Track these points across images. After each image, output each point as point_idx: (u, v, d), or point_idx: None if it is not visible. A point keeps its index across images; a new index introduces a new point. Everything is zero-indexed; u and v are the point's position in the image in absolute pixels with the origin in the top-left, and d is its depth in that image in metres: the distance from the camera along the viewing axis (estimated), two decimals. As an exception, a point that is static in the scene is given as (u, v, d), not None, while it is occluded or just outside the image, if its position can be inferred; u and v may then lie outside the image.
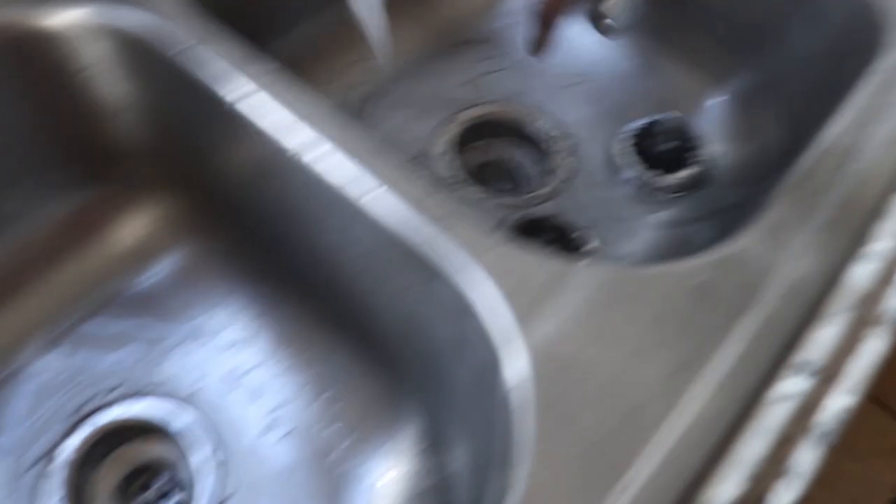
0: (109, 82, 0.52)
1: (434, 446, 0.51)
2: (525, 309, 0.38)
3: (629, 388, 0.36)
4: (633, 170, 0.63)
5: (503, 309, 0.38)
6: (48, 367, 0.57)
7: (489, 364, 0.39)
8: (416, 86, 0.69)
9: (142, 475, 0.58)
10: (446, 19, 0.72)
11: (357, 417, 0.54)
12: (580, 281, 0.39)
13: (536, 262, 0.39)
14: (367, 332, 0.53)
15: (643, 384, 0.36)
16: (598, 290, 0.39)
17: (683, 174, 0.63)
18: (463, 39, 0.72)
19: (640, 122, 0.65)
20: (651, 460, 0.34)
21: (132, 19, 0.48)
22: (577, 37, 0.71)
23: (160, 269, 0.60)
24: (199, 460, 0.54)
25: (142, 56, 0.49)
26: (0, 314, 0.57)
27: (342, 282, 0.51)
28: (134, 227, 0.60)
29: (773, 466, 0.36)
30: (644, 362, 0.37)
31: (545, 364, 0.37)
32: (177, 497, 0.57)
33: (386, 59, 0.55)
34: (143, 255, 0.60)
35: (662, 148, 0.63)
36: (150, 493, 0.57)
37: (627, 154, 0.64)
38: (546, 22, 0.57)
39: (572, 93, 0.69)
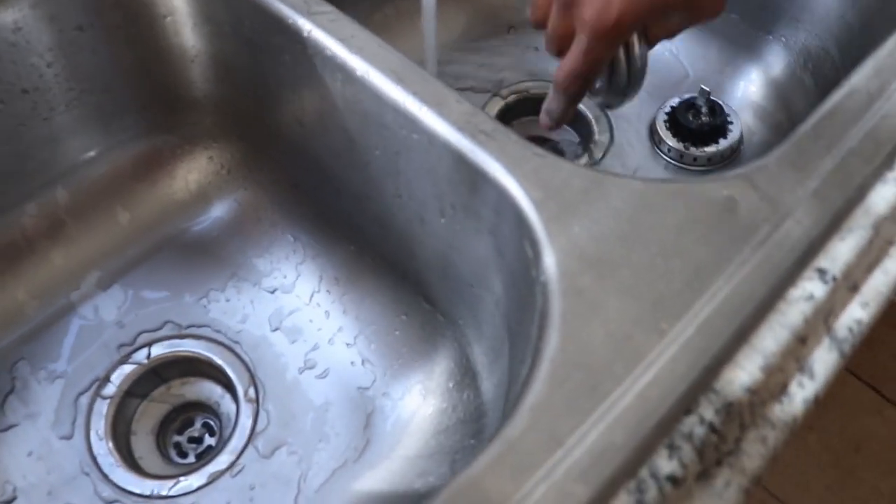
0: (187, 31, 0.56)
1: (466, 380, 0.52)
2: (557, 213, 0.40)
3: (653, 283, 0.38)
4: (670, 143, 0.65)
5: (537, 213, 0.40)
6: (104, 302, 0.60)
7: (523, 267, 0.41)
8: (462, 66, 0.72)
9: (185, 410, 0.60)
10: (492, 5, 0.76)
11: (392, 356, 0.56)
12: (611, 191, 0.41)
13: (571, 172, 0.42)
14: (405, 273, 0.56)
15: (667, 279, 0.38)
16: (627, 199, 0.41)
17: (717, 146, 0.65)
18: (509, 24, 0.75)
19: (676, 100, 0.67)
20: (672, 346, 0.36)
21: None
22: None
23: (214, 215, 0.63)
24: (240, 396, 0.57)
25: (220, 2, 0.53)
26: (62, 248, 0.60)
27: (385, 220, 0.54)
28: (193, 173, 0.64)
29: (789, 361, 0.37)
30: (668, 261, 0.38)
31: (574, 260, 0.38)
32: (218, 430, 0.59)
33: (433, 69, 0.59)
34: (199, 201, 0.63)
35: (697, 122, 0.65)
36: (195, 428, 0.60)
37: (663, 129, 0.66)
38: (569, 98, 0.53)
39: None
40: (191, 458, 0.58)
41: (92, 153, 0.61)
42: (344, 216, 0.58)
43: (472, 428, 0.51)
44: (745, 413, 0.35)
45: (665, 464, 0.33)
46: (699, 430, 0.34)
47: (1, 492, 0.53)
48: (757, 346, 0.37)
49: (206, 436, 0.60)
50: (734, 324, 0.36)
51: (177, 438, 0.60)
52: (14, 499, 0.53)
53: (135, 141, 0.62)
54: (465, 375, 0.52)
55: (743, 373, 0.36)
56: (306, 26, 0.49)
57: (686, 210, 0.40)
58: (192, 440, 0.59)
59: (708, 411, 0.35)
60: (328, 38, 0.48)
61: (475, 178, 0.43)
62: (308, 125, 0.54)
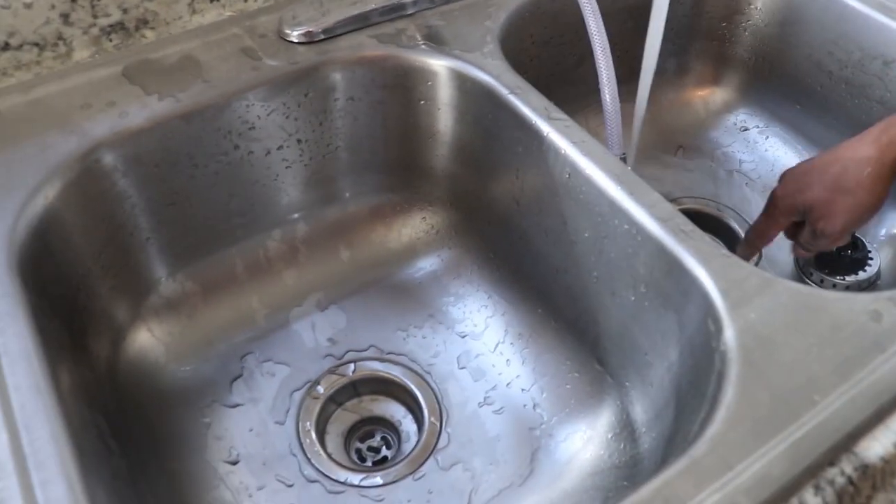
0: (435, 115, 0.70)
1: (624, 433, 0.63)
2: (738, 300, 0.51)
3: (809, 364, 0.48)
4: (812, 268, 0.76)
5: (722, 298, 0.52)
6: (320, 320, 0.73)
7: (703, 339, 0.52)
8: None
9: (370, 422, 0.72)
10: (670, 126, 0.89)
11: (560, 405, 0.67)
12: (780, 290, 0.52)
13: (749, 272, 0.53)
14: (583, 337, 0.67)
15: (820, 363, 0.48)
16: (793, 298, 0.52)
17: (856, 277, 0.75)
18: (678, 145, 0.88)
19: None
20: (822, 413, 0.46)
21: (476, 73, 0.66)
22: (773, 148, 0.86)
23: (419, 265, 0.76)
24: (426, 416, 0.68)
25: (476, 96, 0.66)
26: (294, 271, 0.74)
27: (576, 291, 0.65)
28: (407, 228, 0.77)
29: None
30: (822, 350, 0.49)
31: (749, 338, 0.49)
32: (395, 444, 0.70)
33: (618, 149, 0.72)
34: (407, 252, 0.77)
35: (840, 254, 0.76)
36: (376, 440, 0.71)
37: (809, 261, 0.77)
38: (755, 246, 0.76)
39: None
40: (367, 464, 0.69)
41: (333, 199, 0.75)
42: (536, 283, 0.70)
43: (625, 473, 0.61)
44: (877, 476, 0.45)
45: (811, 499, 0.44)
46: (840, 480, 0.44)
47: (228, 454, 0.65)
48: (891, 426, 0.47)
49: (384, 448, 0.71)
50: (873, 405, 0.47)
51: (358, 445, 0.71)
52: (237, 462, 0.65)
53: (367, 195, 0.76)
54: (624, 429, 0.63)
55: (878, 444, 0.46)
56: (545, 128, 0.62)
57: (839, 313, 0.51)
58: (371, 449, 0.71)
59: (848, 467, 0.45)
60: (563, 139, 0.61)
61: (671, 266, 0.55)
62: (524, 204, 0.67)
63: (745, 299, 0.51)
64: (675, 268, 0.54)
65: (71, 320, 0.59)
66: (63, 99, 0.64)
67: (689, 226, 0.55)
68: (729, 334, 0.49)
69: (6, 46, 0.66)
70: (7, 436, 0.44)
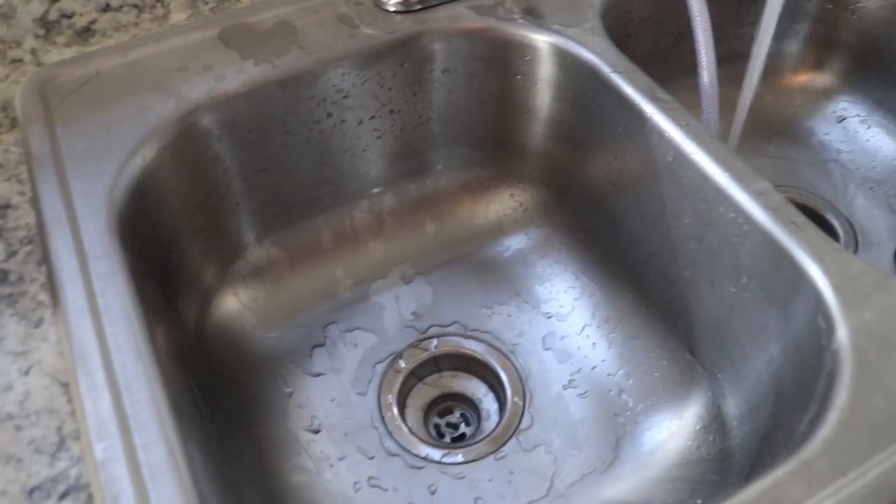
0: (532, 90, 0.69)
1: (714, 425, 0.61)
2: (851, 298, 0.49)
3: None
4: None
5: (834, 295, 0.49)
6: (405, 293, 0.73)
7: (811, 336, 0.50)
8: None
9: (450, 398, 0.71)
10: (766, 112, 0.86)
11: (647, 393, 0.65)
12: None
13: (864, 269, 0.51)
14: (675, 325, 0.65)
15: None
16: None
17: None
18: (775, 131, 0.85)
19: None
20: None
21: (578, 49, 0.64)
22: (874, 138, 0.83)
23: (505, 243, 0.75)
24: (509, 396, 0.67)
25: (577, 74, 0.64)
26: (379, 243, 0.73)
27: (672, 278, 0.64)
28: (494, 205, 0.76)
29: None
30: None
31: (863, 338, 0.47)
32: (475, 422, 0.70)
33: (714, 132, 0.69)
34: (494, 229, 0.75)
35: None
36: (455, 416, 0.71)
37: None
38: None
39: (867, 195, 0.81)
40: (445, 440, 0.69)
41: (421, 171, 0.74)
42: (628, 267, 0.68)
43: (714, 466, 0.59)
44: None
45: (929, 510, 0.42)
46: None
47: (310, 423, 0.65)
48: None
49: (462, 425, 0.70)
50: None
51: (437, 420, 0.70)
52: (319, 431, 0.65)
53: (457, 169, 0.75)
54: (714, 421, 0.61)
55: None
56: (650, 109, 0.60)
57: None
58: (449, 425, 0.70)
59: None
60: (668, 122, 0.59)
61: (779, 258, 0.53)
62: (621, 186, 0.65)
63: (860, 297, 0.49)
64: (784, 260, 0.52)
65: (164, 282, 0.60)
66: (160, 61, 0.64)
67: (801, 217, 0.53)
68: (842, 333, 0.47)
69: (107, 7, 0.66)
70: (109, 395, 0.44)
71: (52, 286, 0.49)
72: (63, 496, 0.41)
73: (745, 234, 0.54)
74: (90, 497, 0.41)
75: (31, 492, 0.42)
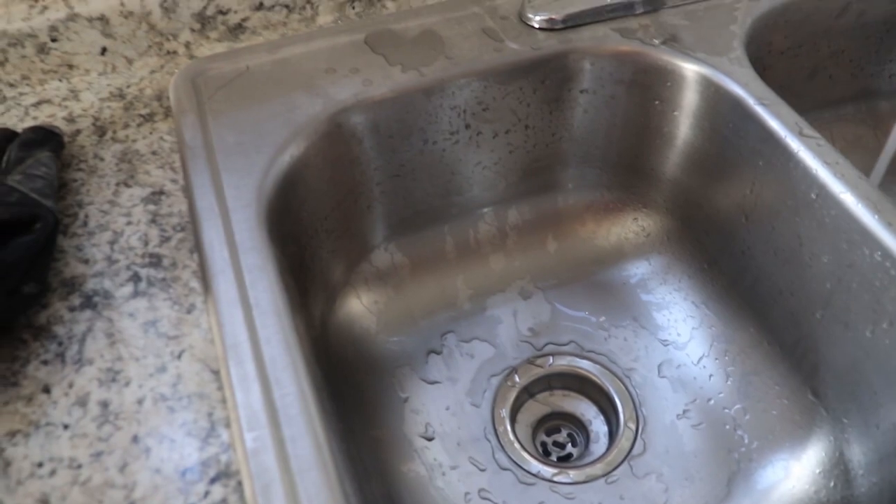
0: (669, 116, 0.69)
1: (836, 471, 0.60)
2: None
3: None
4: None
5: None
6: (522, 308, 0.73)
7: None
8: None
9: (558, 417, 0.71)
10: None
11: (764, 430, 0.65)
12: None
13: None
14: (799, 364, 0.64)
15: None
16: None
17: None
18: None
19: None
20: None
21: (724, 80, 0.64)
22: None
23: (625, 266, 0.75)
24: (622, 420, 0.67)
25: (720, 104, 0.64)
26: (501, 256, 0.74)
27: (800, 316, 0.63)
28: (616, 227, 0.76)
29: None
30: None
31: None
32: (582, 443, 0.69)
33: (877, 180, 0.68)
34: (614, 251, 0.75)
35: None
36: (562, 435, 0.71)
37: None
38: None
39: None
40: (552, 458, 0.69)
41: (548, 188, 0.74)
42: (753, 301, 0.68)
43: (836, 513, 0.58)
44: None
45: None
46: None
47: (424, 430, 0.66)
48: None
49: (569, 445, 0.70)
50: None
51: (544, 438, 0.71)
52: (433, 438, 0.65)
53: (583, 189, 0.75)
54: (836, 467, 0.60)
55: None
56: (795, 145, 0.59)
57: None
58: (556, 444, 0.70)
59: None
60: (814, 159, 0.58)
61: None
62: (754, 220, 0.65)
63: None
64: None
65: (298, 279, 0.61)
66: (308, 61, 0.65)
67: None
68: None
69: (260, 6, 0.67)
70: (260, 387, 0.45)
71: (203, 274, 0.51)
72: (213, 480, 0.43)
73: (891, 278, 0.54)
74: (240, 484, 0.42)
75: (183, 472, 0.43)
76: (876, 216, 0.55)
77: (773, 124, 0.61)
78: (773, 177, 0.61)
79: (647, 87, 0.67)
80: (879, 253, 0.54)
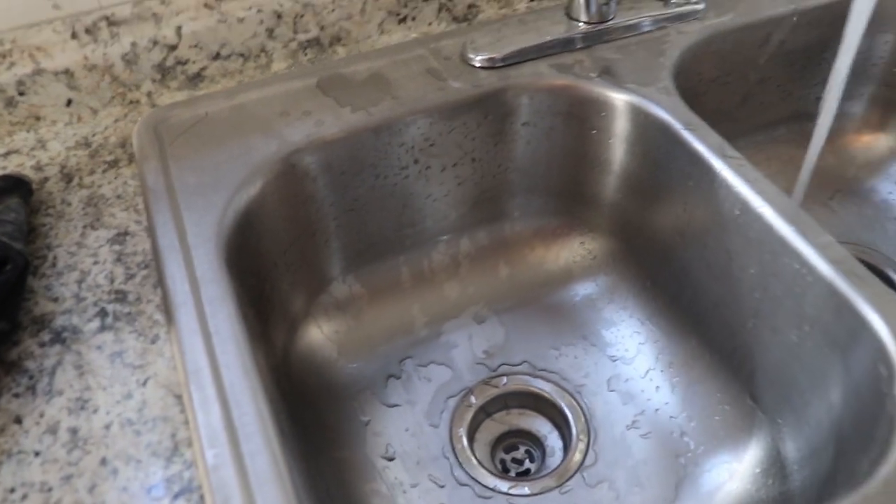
0: (605, 144, 0.73)
1: (773, 469, 0.64)
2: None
3: None
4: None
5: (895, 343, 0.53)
6: (477, 333, 0.77)
7: (872, 382, 0.53)
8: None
9: (515, 435, 0.74)
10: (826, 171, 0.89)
11: (708, 435, 0.68)
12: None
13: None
14: (738, 371, 0.68)
15: None
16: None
17: None
18: (835, 189, 0.88)
19: None
20: None
21: (652, 108, 0.69)
22: None
23: (574, 288, 0.79)
24: (574, 434, 0.70)
25: (650, 130, 0.69)
26: (455, 284, 0.78)
27: (735, 326, 0.67)
28: (565, 251, 0.80)
29: None
30: None
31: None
32: (539, 458, 0.73)
33: (799, 196, 0.73)
34: (563, 275, 0.79)
35: None
36: (520, 452, 0.74)
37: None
38: None
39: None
40: (511, 475, 0.72)
41: (497, 217, 0.78)
42: (692, 315, 0.72)
43: (775, 509, 0.62)
44: None
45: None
46: None
47: (385, 451, 0.69)
48: None
49: (527, 461, 0.73)
50: None
51: (503, 455, 0.74)
52: (393, 458, 0.69)
53: (531, 217, 0.80)
54: (773, 465, 0.64)
55: None
56: (718, 165, 0.64)
57: None
58: (514, 461, 0.73)
59: None
60: (736, 178, 0.63)
61: (841, 308, 0.56)
62: (688, 237, 0.69)
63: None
64: (846, 310, 0.55)
65: (259, 309, 0.64)
66: (263, 106, 0.69)
67: (862, 270, 0.56)
68: (903, 380, 0.50)
69: (217, 56, 0.72)
70: (220, 409, 0.48)
71: (166, 307, 0.54)
72: (177, 496, 0.46)
73: (808, 284, 0.58)
74: (202, 498, 0.45)
75: (149, 490, 0.46)
76: (792, 227, 0.59)
77: (699, 147, 0.65)
78: (702, 196, 0.66)
79: (583, 118, 0.72)
80: (797, 262, 0.58)
